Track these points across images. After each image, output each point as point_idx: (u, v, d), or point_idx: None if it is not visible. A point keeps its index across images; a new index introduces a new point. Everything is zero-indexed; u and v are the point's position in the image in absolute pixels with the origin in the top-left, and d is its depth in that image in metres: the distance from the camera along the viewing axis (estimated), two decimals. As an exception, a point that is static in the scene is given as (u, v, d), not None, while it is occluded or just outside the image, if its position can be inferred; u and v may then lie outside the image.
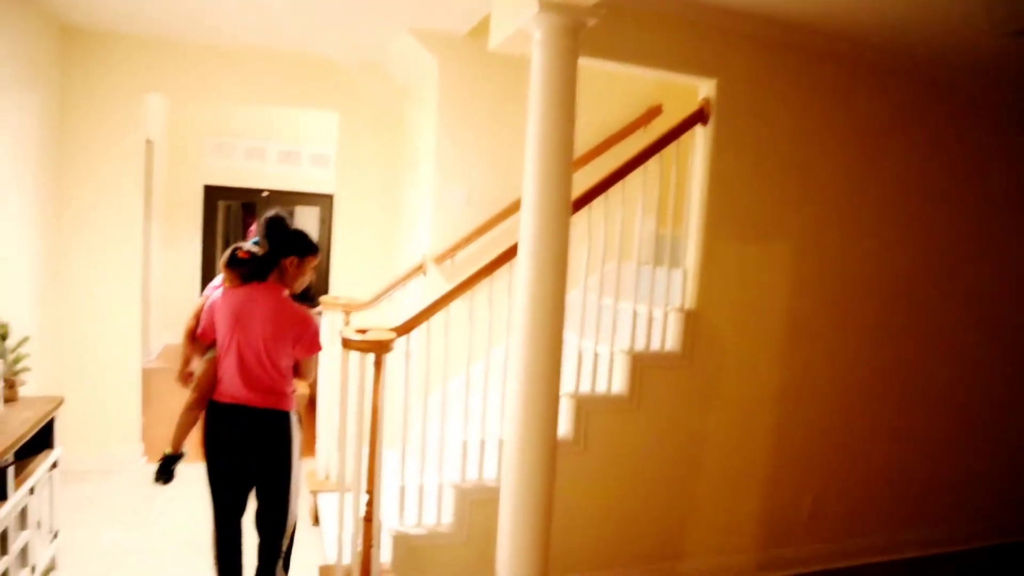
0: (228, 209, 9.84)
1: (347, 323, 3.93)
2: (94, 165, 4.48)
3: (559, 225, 2.53)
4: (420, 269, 4.05)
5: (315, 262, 3.00)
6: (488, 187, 4.13)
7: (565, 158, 2.53)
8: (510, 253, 3.05)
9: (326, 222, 9.39)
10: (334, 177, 8.99)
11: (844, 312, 3.80)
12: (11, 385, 3.09)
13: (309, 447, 4.74)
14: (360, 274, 5.01)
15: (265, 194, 9.15)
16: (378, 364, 2.78)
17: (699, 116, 3.41)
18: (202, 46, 4.65)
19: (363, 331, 2.81)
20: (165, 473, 2.99)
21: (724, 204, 3.44)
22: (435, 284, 4.02)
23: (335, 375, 3.93)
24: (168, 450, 3.01)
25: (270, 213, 2.98)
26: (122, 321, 4.63)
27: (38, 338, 4.06)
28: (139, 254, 4.66)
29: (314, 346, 2.91)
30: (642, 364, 3.34)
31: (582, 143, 3.80)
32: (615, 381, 3.35)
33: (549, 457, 2.65)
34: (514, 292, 2.63)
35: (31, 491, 2.91)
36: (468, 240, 4.03)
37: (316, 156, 9.07)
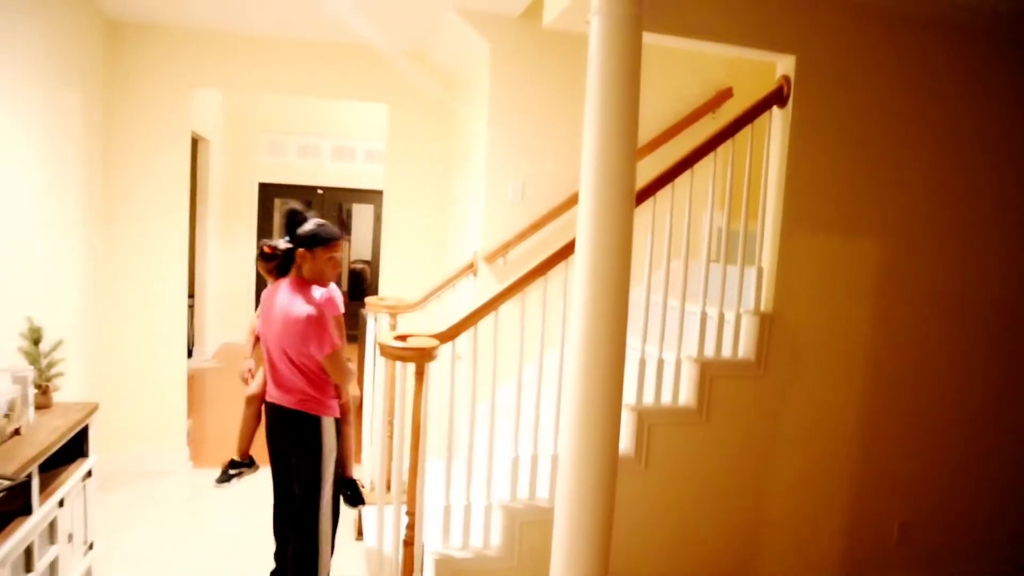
0: (284, 208, 9.79)
1: (394, 326, 3.71)
2: (139, 162, 4.37)
3: (621, 218, 2.23)
4: (470, 268, 3.80)
5: (328, 254, 2.82)
6: (543, 181, 3.85)
7: (628, 144, 2.23)
8: (566, 250, 2.77)
9: (380, 219, 9.24)
10: (389, 173, 9.02)
11: (940, 316, 3.39)
12: (44, 391, 2.96)
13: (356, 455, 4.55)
14: (409, 273, 4.80)
15: (320, 191, 9.06)
16: (419, 374, 2.54)
17: (776, 97, 3.06)
18: (247, 38, 4.50)
19: (404, 337, 2.57)
20: (222, 476, 3.14)
21: (804, 195, 3.09)
22: (486, 284, 3.77)
23: (377, 377, 3.72)
24: (235, 455, 3.14)
25: (287, 206, 2.90)
26: (168, 322, 4.51)
27: (81, 341, 3.96)
28: (185, 253, 4.53)
29: (324, 345, 2.70)
30: (711, 373, 3.02)
31: (644, 131, 3.48)
32: (681, 392, 3.04)
33: (609, 475, 2.36)
34: (571, 293, 2.35)
35: (60, 503, 2.76)
36: (521, 237, 3.76)
37: (370, 152, 8.93)
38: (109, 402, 4.34)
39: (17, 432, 2.60)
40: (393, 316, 3.72)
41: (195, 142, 7.27)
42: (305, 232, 2.79)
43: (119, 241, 4.38)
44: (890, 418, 3.36)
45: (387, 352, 2.50)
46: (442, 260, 4.79)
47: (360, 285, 9.94)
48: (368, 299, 3.79)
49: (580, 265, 2.29)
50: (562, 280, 2.83)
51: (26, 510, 2.51)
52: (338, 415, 2.90)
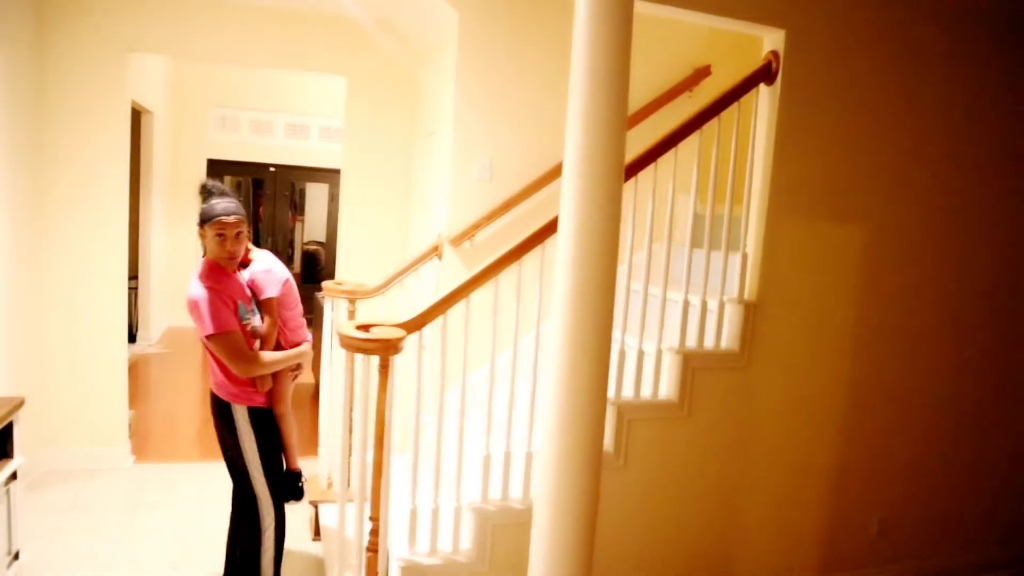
0: (238, 185, 9.40)
1: (352, 312, 3.46)
2: (73, 133, 4.02)
3: (609, 195, 2.02)
4: (435, 251, 3.57)
5: (214, 232, 2.53)
6: (512, 159, 3.63)
7: (617, 115, 2.02)
8: (544, 232, 2.57)
9: (336, 199, 8.93)
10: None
11: (929, 305, 3.28)
12: (-41, 385, 2.66)
13: (311, 448, 4.30)
14: (368, 256, 4.55)
15: (272, 169, 8.70)
16: (384, 368, 2.31)
17: (764, 73, 2.89)
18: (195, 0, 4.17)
19: (366, 327, 2.33)
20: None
21: (791, 178, 2.93)
22: (451, 268, 3.54)
23: (335, 369, 3.48)
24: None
25: (200, 182, 2.68)
26: (106, 306, 4.19)
27: (6, 329, 3.63)
28: (124, 232, 4.20)
29: (203, 327, 2.49)
30: (694, 364, 2.85)
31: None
32: (662, 384, 2.87)
33: (593, 473, 2.16)
34: (548, 277, 2.13)
35: (-23, 513, 2.48)
36: (489, 218, 3.54)
37: (325, 129, 8.59)
38: (42, 395, 4.02)
39: (-74, 434, 2.30)
40: (352, 302, 3.47)
41: (138, 114, 6.85)
42: (202, 208, 2.58)
43: (50, 220, 4.02)
44: (873, 410, 3.25)
45: (348, 344, 2.26)
46: (404, 243, 4.55)
47: (314, 267, 9.61)
48: (325, 284, 3.53)
49: (564, 245, 2.07)
50: (537, 264, 2.63)
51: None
52: (258, 404, 2.67)
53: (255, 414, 2.66)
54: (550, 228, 2.58)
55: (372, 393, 2.38)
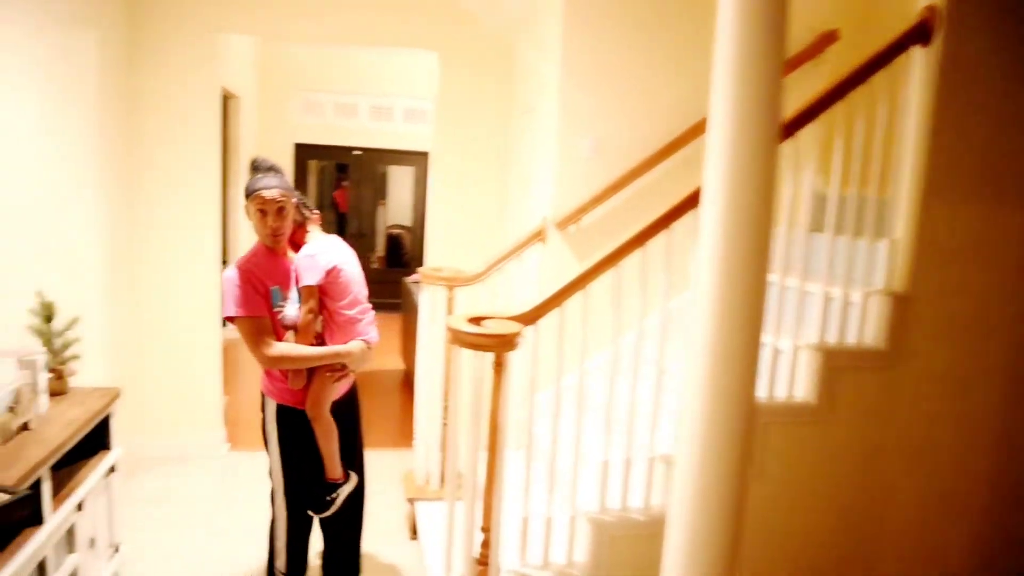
0: (322, 170, 9.41)
1: (451, 301, 3.27)
2: (165, 119, 3.95)
3: (764, 163, 1.74)
4: (538, 236, 3.34)
5: (255, 206, 2.34)
6: (622, 136, 3.36)
7: (773, 64, 1.73)
8: (674, 213, 2.32)
9: (420, 182, 8.82)
10: (429, 133, 8.51)
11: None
12: (59, 376, 2.58)
13: (403, 439, 4.17)
14: (461, 241, 4.34)
15: (357, 152, 8.63)
16: (499, 365, 2.10)
17: (918, 33, 2.53)
18: (284, -23, 4.04)
19: (477, 320, 2.13)
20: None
21: (950, 155, 2.57)
22: (557, 254, 3.31)
23: (432, 356, 3.32)
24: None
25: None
26: (200, 293, 4.13)
27: (102, 318, 3.60)
28: (217, 218, 4.13)
29: (222, 307, 2.36)
30: (834, 363, 2.55)
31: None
32: (799, 385, 2.57)
33: (739, 483, 1.89)
34: (700, 256, 1.86)
35: (79, 507, 2.39)
36: (597, 200, 3.28)
37: (410, 111, 8.45)
38: (137, 383, 4.00)
39: (26, 427, 2.22)
40: (450, 289, 3.29)
41: (226, 99, 6.84)
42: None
43: (143, 205, 3.97)
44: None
45: (460, 339, 2.06)
46: (500, 227, 4.33)
47: (398, 251, 9.54)
48: (422, 270, 3.35)
49: (711, 221, 1.80)
50: (660, 249, 2.37)
51: (36, 519, 2.14)
52: (288, 402, 2.43)
53: (283, 412, 2.43)
54: (679, 210, 2.31)
55: (484, 391, 2.18)
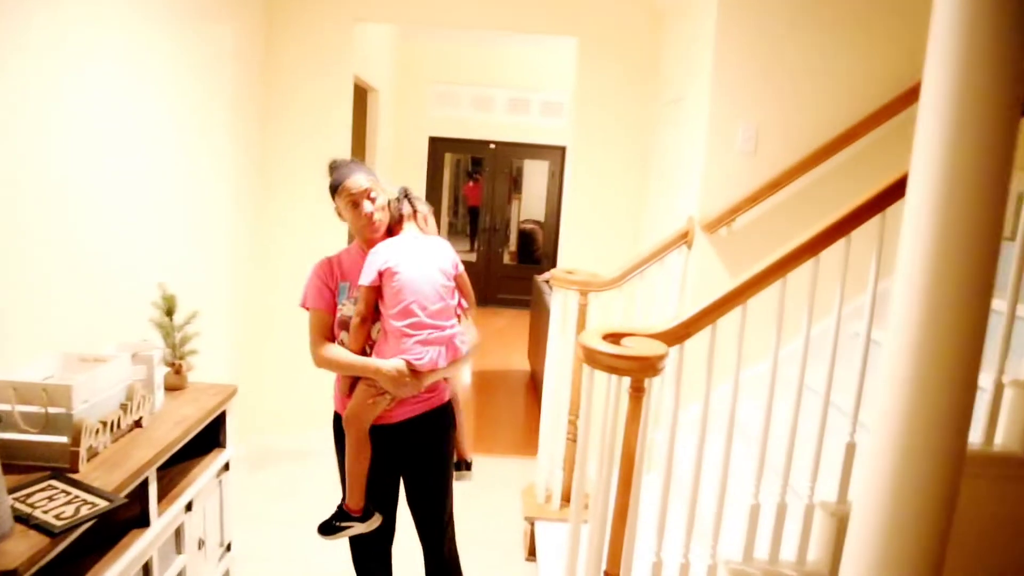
0: (456, 163, 9.36)
1: (583, 308, 2.99)
2: (299, 108, 3.90)
3: (998, 140, 1.36)
4: (684, 238, 3.00)
5: (344, 201, 2.15)
6: (780, 130, 2.96)
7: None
8: (858, 215, 1.93)
9: (556, 176, 8.60)
10: (566, 127, 8.27)
11: None
12: (178, 370, 2.51)
13: (528, 447, 3.93)
14: (597, 240, 4.05)
15: (492, 146, 8.50)
16: (637, 391, 1.81)
17: None
18: (419, -36, 3.89)
19: (616, 336, 1.84)
20: None
21: None
22: (704, 259, 2.97)
23: (560, 367, 3.06)
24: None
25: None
26: (327, 286, 4.05)
27: (227, 312, 3.57)
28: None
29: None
30: (1051, 405, 2.07)
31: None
32: (1000, 430, 2.12)
33: (936, 549, 1.54)
34: (899, 272, 1.49)
35: (188, 507, 2.30)
36: (752, 200, 2.90)
37: (546, 104, 8.22)
38: (260, 376, 3.99)
39: (138, 424, 2.14)
40: (583, 295, 3.00)
41: (364, 92, 6.86)
42: None
43: (273, 200, 3.94)
44: None
45: (595, 360, 1.78)
46: (639, 226, 4.01)
47: (530, 247, 9.36)
48: (554, 273, 3.09)
49: (917, 214, 1.43)
50: (839, 257, 1.99)
51: (143, 521, 2.05)
52: (338, 409, 2.26)
53: (337, 419, 2.27)
54: (862, 213, 1.93)
55: (619, 415, 1.89)
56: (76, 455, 1.86)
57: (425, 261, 2.13)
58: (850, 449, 2.05)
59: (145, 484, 2.00)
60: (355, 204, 2.13)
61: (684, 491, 2.18)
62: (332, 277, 2.20)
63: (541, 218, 9.13)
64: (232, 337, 3.65)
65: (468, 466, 2.46)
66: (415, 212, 2.23)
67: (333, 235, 4.00)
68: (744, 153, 2.95)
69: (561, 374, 3.11)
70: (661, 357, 1.74)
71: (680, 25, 3.55)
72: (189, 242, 3.09)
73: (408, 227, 2.21)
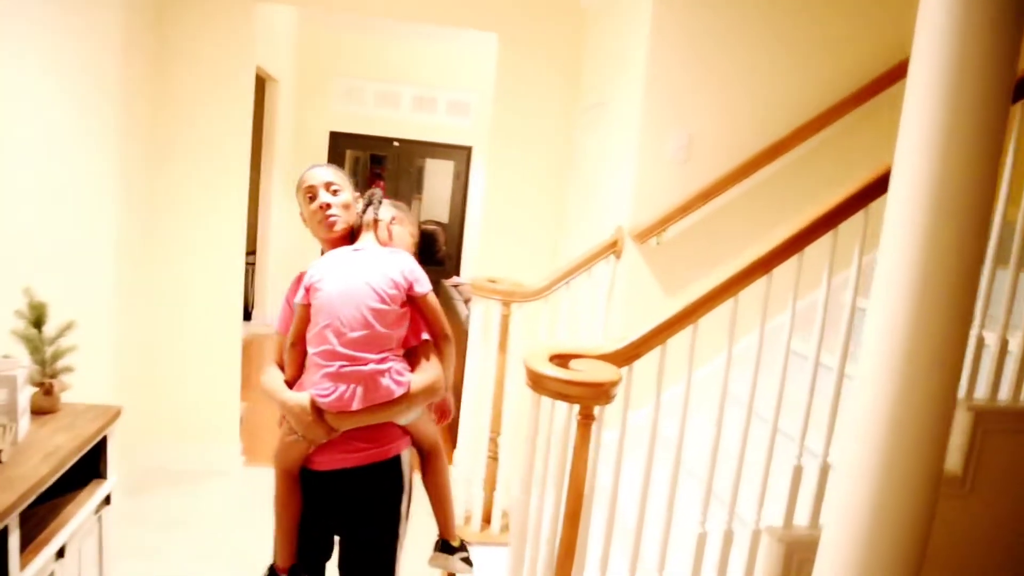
0: (357, 160, 9.00)
1: (506, 319, 2.82)
2: (195, 95, 3.54)
3: (989, 122, 1.28)
4: (612, 248, 2.87)
5: (300, 198, 1.96)
6: (713, 138, 2.89)
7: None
8: (829, 220, 1.83)
9: (460, 177, 8.39)
10: (473, 127, 8.09)
11: None
12: (48, 391, 2.16)
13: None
14: (508, 244, 3.89)
15: (396, 143, 8.21)
16: (586, 419, 1.64)
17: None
18: (333, -58, 3.62)
19: (561, 358, 1.67)
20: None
21: None
22: (634, 270, 2.85)
23: (482, 380, 2.88)
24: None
25: None
26: (221, 290, 3.72)
27: (113, 315, 3.18)
28: (243, 207, 3.71)
29: None
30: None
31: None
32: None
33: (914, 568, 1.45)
34: (879, 278, 1.38)
35: (60, 554, 1.97)
36: (684, 210, 2.81)
37: (453, 103, 8.00)
38: (147, 388, 3.61)
39: (-3, 458, 1.80)
40: (506, 305, 2.83)
41: (263, 81, 6.46)
42: None
43: (162, 193, 3.57)
44: None
45: (542, 385, 1.60)
46: (560, 233, 3.87)
47: (431, 248, 9.08)
48: (473, 280, 2.91)
49: (903, 202, 1.33)
50: (793, 271, 1.90)
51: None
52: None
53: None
54: (817, 227, 1.84)
55: (567, 449, 1.72)
56: (-87, 506, 1.52)
57: (356, 277, 1.79)
58: (797, 472, 1.96)
59: (4, 535, 1.67)
60: (311, 197, 1.90)
61: (626, 520, 2.04)
62: (294, 292, 1.91)
63: (444, 219, 8.90)
64: (117, 349, 3.26)
65: (454, 549, 2.11)
66: (376, 221, 1.94)
67: (231, 229, 3.68)
68: (676, 162, 2.85)
69: (481, 389, 2.93)
70: (614, 383, 1.59)
71: (606, 25, 3.43)
72: (65, 243, 2.71)
73: (364, 237, 1.93)
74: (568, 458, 1.71)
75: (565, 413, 1.72)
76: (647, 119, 2.83)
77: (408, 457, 1.89)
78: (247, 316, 7.34)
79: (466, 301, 4.42)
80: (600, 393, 1.57)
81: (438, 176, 8.96)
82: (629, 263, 2.85)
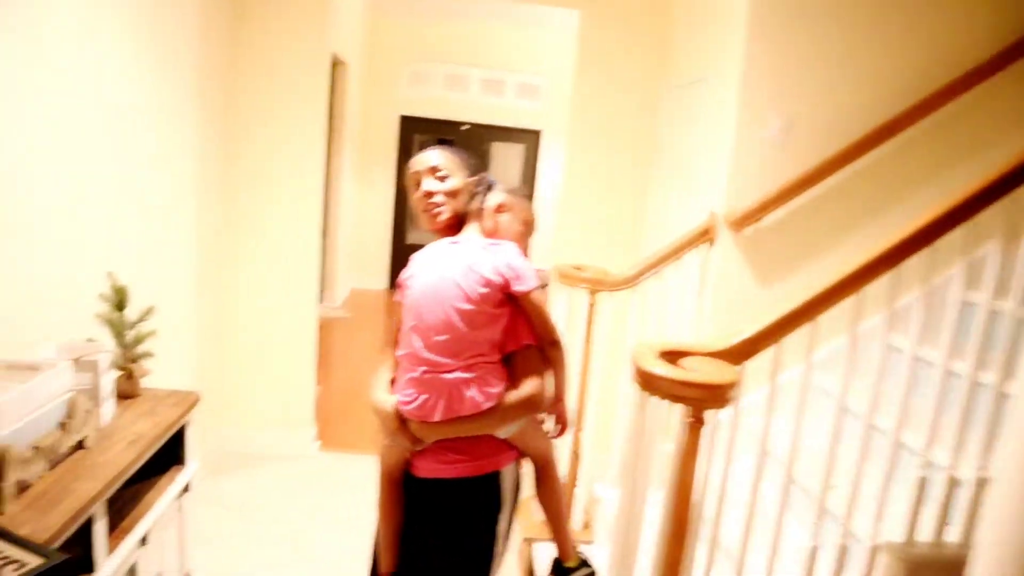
0: (424, 145, 8.93)
1: (592, 308, 2.70)
2: (268, 79, 3.49)
3: None
4: (705, 236, 2.71)
5: (409, 184, 1.80)
6: (814, 121, 2.69)
7: None
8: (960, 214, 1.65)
9: (530, 162, 8.27)
10: (541, 110, 7.94)
11: None
12: (130, 375, 2.13)
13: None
14: (597, 234, 3.74)
15: (464, 127, 8.13)
16: (696, 424, 1.51)
17: None
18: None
19: (672, 353, 1.54)
20: None
21: None
22: (729, 260, 2.69)
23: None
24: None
25: None
26: (297, 273, 3.68)
27: (192, 300, 3.18)
28: (319, 192, 3.66)
29: None
30: None
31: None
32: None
33: None
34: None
35: (143, 541, 1.94)
36: (783, 197, 2.62)
37: (523, 86, 7.89)
38: (224, 371, 3.61)
39: (81, 445, 1.77)
40: (593, 294, 2.71)
41: (334, 66, 6.45)
42: None
43: (240, 178, 3.54)
44: None
45: (653, 385, 1.47)
46: (641, 220, 3.70)
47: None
48: (560, 267, 2.79)
49: None
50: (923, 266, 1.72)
51: (86, 566, 1.69)
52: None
53: None
54: (975, 203, 1.65)
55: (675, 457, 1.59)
56: (0, 494, 1.49)
57: (445, 274, 1.64)
58: (920, 485, 1.80)
59: (90, 523, 1.64)
60: (417, 183, 1.77)
61: (729, 532, 1.90)
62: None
63: (513, 204, 8.79)
64: (196, 333, 3.25)
65: (569, 571, 1.93)
66: (481, 209, 1.78)
67: (307, 214, 3.64)
68: (775, 145, 2.67)
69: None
70: (732, 385, 1.45)
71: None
72: (145, 228, 2.69)
73: (468, 227, 1.78)
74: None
75: (668, 413, 1.60)
76: (745, 99, 2.65)
77: (512, 472, 1.72)
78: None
79: (542, 287, 4.30)
80: (717, 395, 1.43)
81: (506, 160, 8.84)
82: (723, 252, 2.68)
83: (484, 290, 1.61)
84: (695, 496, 1.52)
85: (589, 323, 2.70)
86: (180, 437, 2.22)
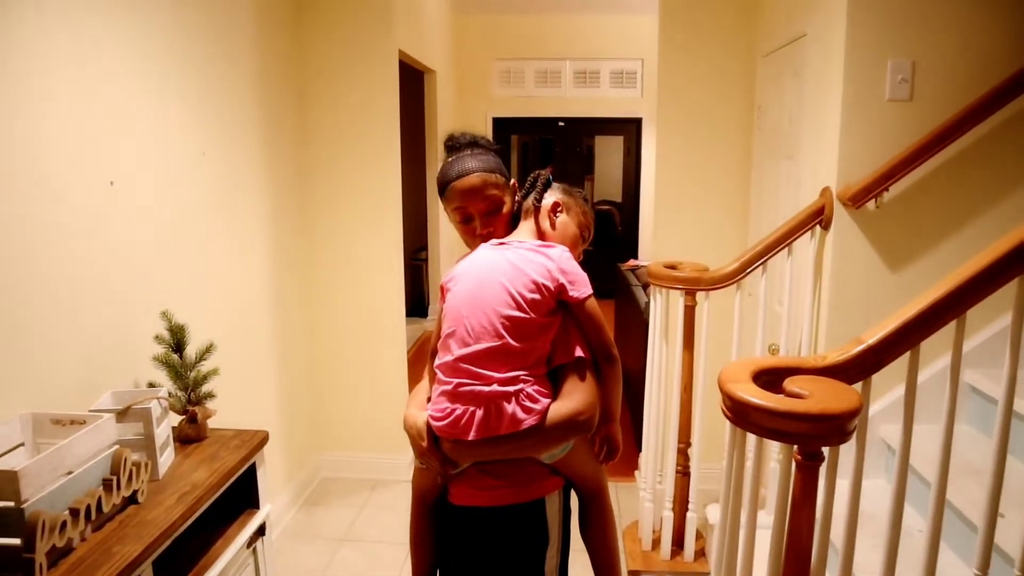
0: (524, 146, 8.73)
1: (691, 310, 2.37)
2: (333, 86, 3.37)
3: None
4: (818, 217, 2.33)
5: (451, 207, 1.57)
6: (947, 65, 2.25)
7: None
8: None
9: (631, 152, 7.90)
10: (640, 97, 7.55)
11: None
12: (192, 418, 2.01)
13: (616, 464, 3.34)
14: (698, 224, 3.36)
15: (561, 123, 7.86)
16: (811, 460, 1.18)
17: None
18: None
19: (772, 371, 1.23)
20: None
21: None
22: (848, 243, 2.29)
23: (664, 381, 2.46)
24: None
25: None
26: (378, 292, 3.54)
27: (272, 325, 3.08)
28: (397, 203, 3.50)
29: None
30: None
31: None
32: None
33: None
34: None
35: (207, 601, 1.80)
36: (910, 162, 2.19)
37: (616, 73, 7.50)
38: (311, 395, 3.53)
39: (133, 499, 1.64)
40: (690, 295, 2.39)
41: (421, 74, 6.35)
42: None
43: (311, 194, 3.44)
44: None
45: (748, 418, 1.16)
46: (744, 206, 3.32)
47: (609, 230, 8.63)
48: (652, 268, 2.48)
49: None
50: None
51: (134, 637, 1.55)
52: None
53: None
54: None
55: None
56: (31, 564, 1.36)
57: (491, 277, 1.45)
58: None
59: (134, 589, 1.50)
60: (461, 213, 1.57)
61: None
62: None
63: (617, 198, 8.44)
64: (280, 361, 3.16)
65: None
66: (534, 208, 1.59)
67: (385, 229, 3.49)
68: (897, 100, 2.25)
69: (666, 393, 2.51)
70: (853, 413, 1.11)
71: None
72: (218, 260, 2.60)
73: (521, 227, 1.60)
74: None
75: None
76: (854, 47, 2.23)
77: (558, 501, 1.49)
78: (423, 312, 7.33)
79: (645, 286, 3.98)
80: (833, 429, 1.10)
81: (608, 153, 8.53)
82: (841, 234, 2.28)
83: (535, 296, 1.41)
84: (814, 554, 1.20)
85: (687, 327, 2.38)
86: (252, 477, 2.09)
